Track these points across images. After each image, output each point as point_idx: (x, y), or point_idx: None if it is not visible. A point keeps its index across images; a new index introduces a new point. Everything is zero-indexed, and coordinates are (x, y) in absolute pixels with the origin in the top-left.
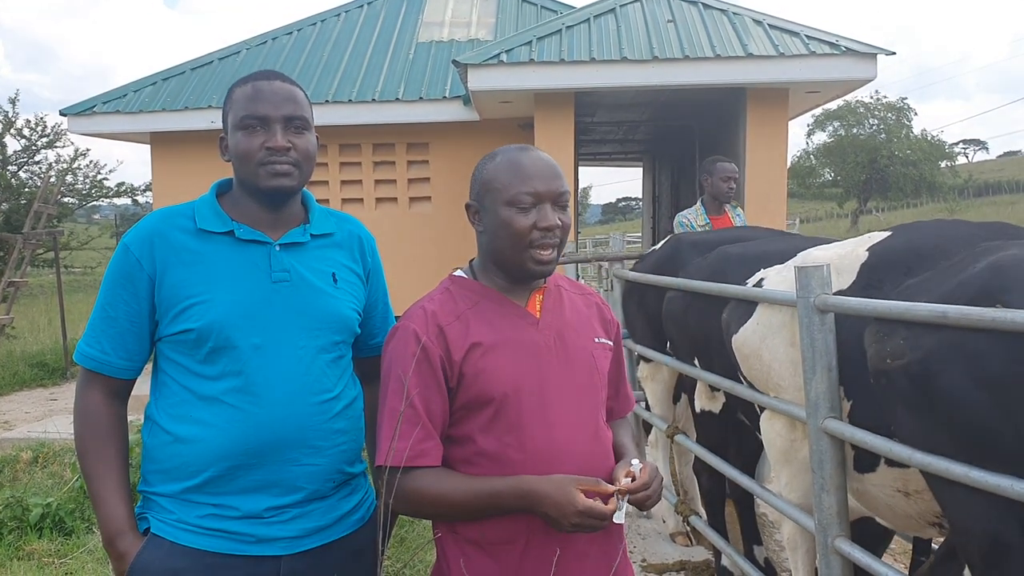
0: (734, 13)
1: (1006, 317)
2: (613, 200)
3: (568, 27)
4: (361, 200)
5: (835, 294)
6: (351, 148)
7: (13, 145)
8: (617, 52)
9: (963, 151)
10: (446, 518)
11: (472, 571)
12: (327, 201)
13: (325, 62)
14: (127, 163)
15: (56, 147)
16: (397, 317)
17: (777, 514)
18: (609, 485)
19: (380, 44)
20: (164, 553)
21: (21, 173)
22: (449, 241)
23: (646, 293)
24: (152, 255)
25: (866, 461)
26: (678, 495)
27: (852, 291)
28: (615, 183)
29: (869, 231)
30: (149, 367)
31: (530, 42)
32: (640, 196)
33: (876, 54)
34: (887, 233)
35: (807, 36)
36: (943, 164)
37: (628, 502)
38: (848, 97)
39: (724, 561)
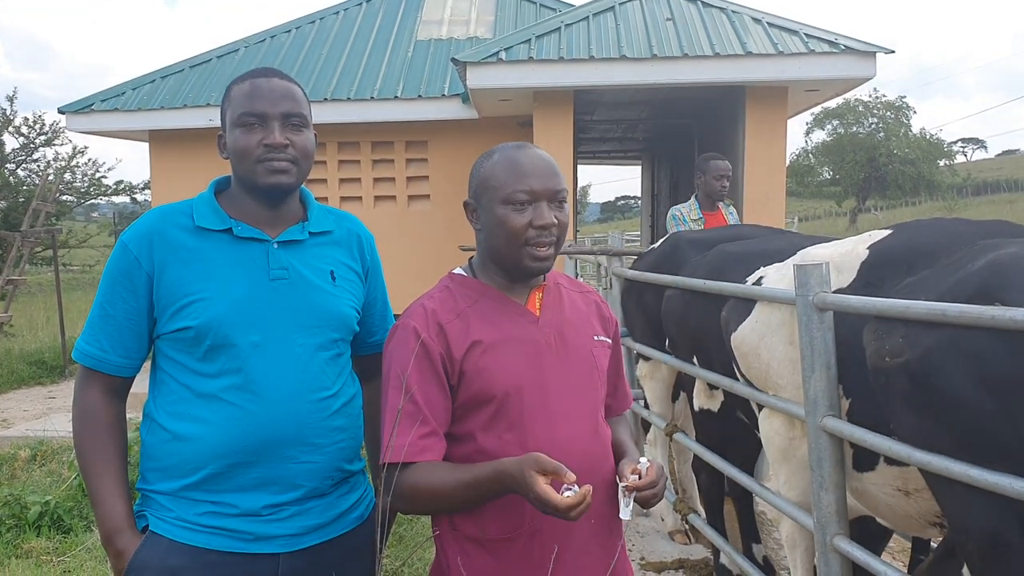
0: (733, 11)
1: (1005, 315)
2: (612, 198)
3: (567, 25)
4: (360, 198)
5: (835, 292)
6: (350, 146)
7: (11, 143)
8: (616, 50)
9: (962, 150)
10: (441, 511)
11: (471, 568)
12: (326, 199)
13: (324, 60)
14: (125, 161)
15: (54, 145)
16: (396, 315)
17: (776, 512)
18: (570, 473)
19: (379, 42)
20: (162, 551)
21: (19, 171)
22: (448, 239)
23: (645, 291)
24: (150, 253)
25: (865, 460)
26: (677, 493)
27: (852, 289)
28: (614, 181)
29: (868, 230)
30: (148, 365)
31: (529, 40)
32: (639, 195)
33: (875, 53)
34: (887, 232)
35: (806, 35)
36: (942, 163)
37: (634, 500)
38: (847, 96)
39: (723, 559)
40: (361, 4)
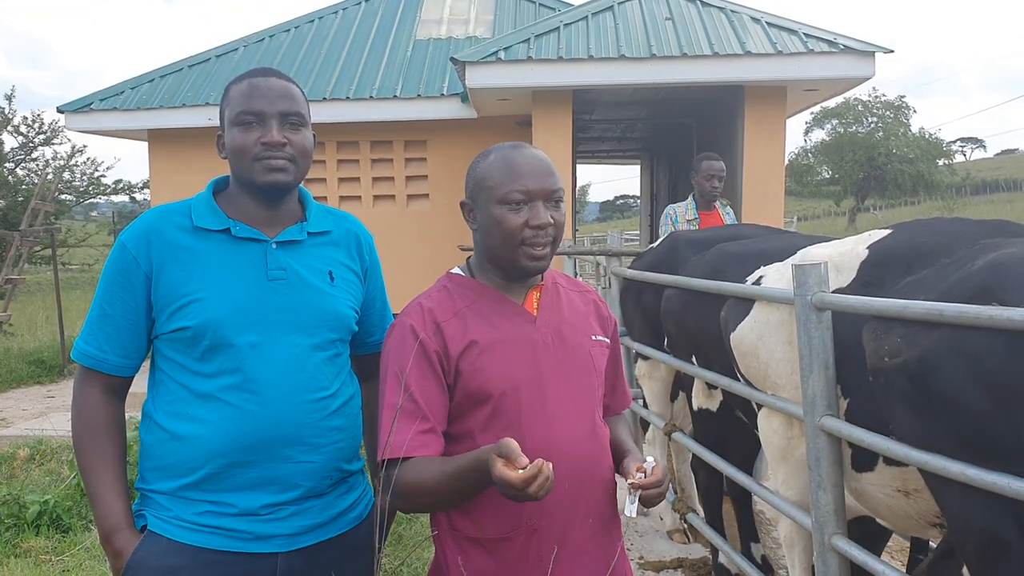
0: (732, 11)
1: (1003, 315)
2: (611, 198)
3: (566, 25)
4: (359, 198)
5: (835, 292)
6: (349, 146)
7: (10, 142)
8: (615, 50)
9: (961, 149)
10: (434, 507)
11: (470, 568)
12: (325, 199)
13: (323, 59)
14: (124, 160)
15: (53, 144)
16: (395, 315)
17: (774, 512)
18: (524, 458)
19: (378, 41)
20: (161, 550)
21: (18, 170)
22: (447, 239)
23: (644, 291)
24: (149, 253)
25: (864, 460)
26: (675, 493)
27: (852, 289)
28: (613, 181)
29: (867, 229)
30: (147, 365)
31: (528, 39)
32: (638, 194)
33: (874, 52)
34: (887, 231)
35: (805, 34)
36: (941, 162)
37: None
38: (846, 95)
39: (721, 559)
40: (360, 3)
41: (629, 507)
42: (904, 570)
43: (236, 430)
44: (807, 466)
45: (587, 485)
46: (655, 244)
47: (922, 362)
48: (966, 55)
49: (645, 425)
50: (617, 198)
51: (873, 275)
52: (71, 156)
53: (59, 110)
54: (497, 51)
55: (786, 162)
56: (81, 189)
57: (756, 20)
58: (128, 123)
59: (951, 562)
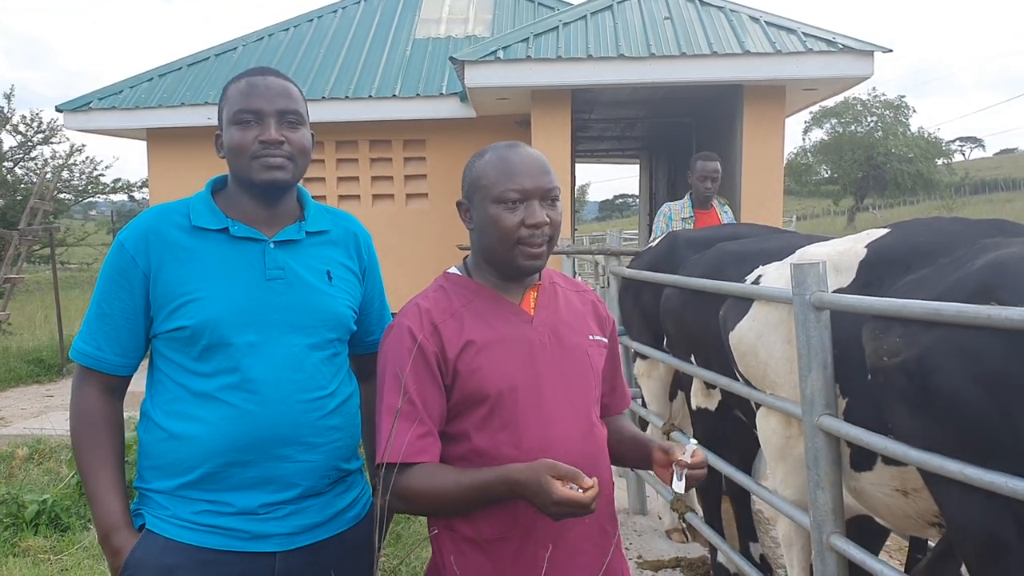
0: (731, 10)
1: (1001, 315)
2: (610, 197)
3: (565, 24)
4: (358, 197)
5: (834, 291)
6: (348, 145)
7: (9, 141)
8: (614, 49)
9: (960, 148)
10: (441, 513)
11: (466, 568)
12: (324, 198)
13: (322, 58)
14: (123, 159)
15: (52, 143)
16: (394, 314)
17: (773, 511)
18: (587, 479)
19: (377, 40)
20: (159, 549)
21: (17, 169)
22: (446, 238)
23: (643, 290)
24: (147, 252)
25: (863, 460)
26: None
27: (851, 288)
28: (612, 180)
29: (866, 228)
30: (145, 364)
31: (527, 39)
32: (637, 193)
33: (873, 51)
34: (885, 230)
35: (804, 33)
36: (940, 161)
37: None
38: (845, 94)
39: (720, 558)
40: (359, 3)
41: (677, 483)
42: (902, 569)
43: (234, 429)
44: (805, 465)
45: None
46: (653, 243)
47: (921, 361)
48: (965, 54)
49: (644, 424)
50: (616, 197)
51: (872, 274)
52: (70, 155)
53: (58, 109)
54: (496, 50)
55: (785, 161)
56: (80, 188)
57: (755, 19)
58: (127, 122)
59: (949, 561)
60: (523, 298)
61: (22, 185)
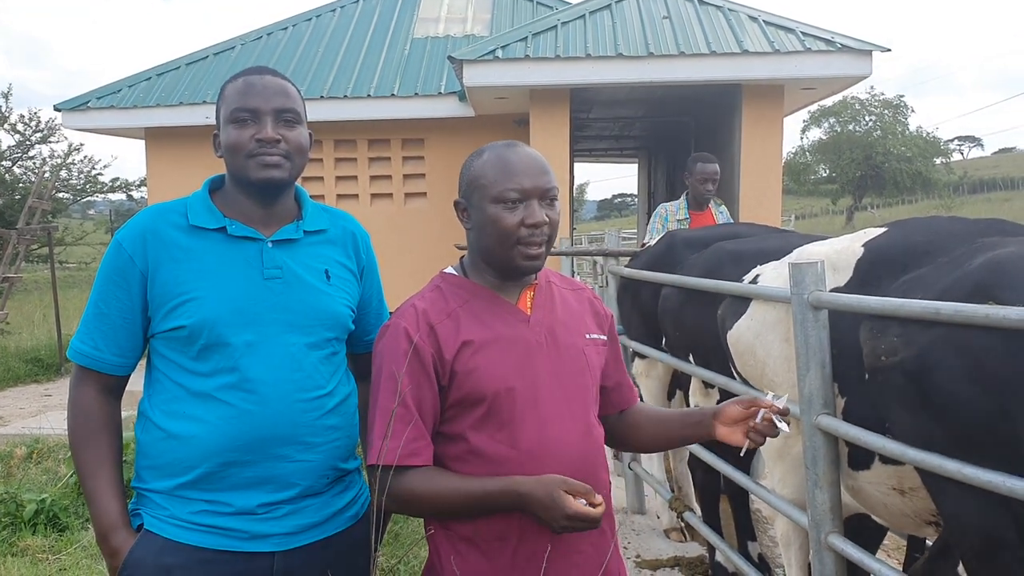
0: (729, 9)
1: (999, 314)
2: (609, 196)
3: (564, 23)
4: (356, 196)
5: (831, 290)
6: (346, 144)
7: (7, 140)
8: (613, 48)
9: (958, 147)
10: (439, 517)
11: (463, 568)
12: (322, 197)
13: (320, 58)
14: (122, 158)
15: (50, 142)
16: (391, 313)
17: (771, 510)
18: (597, 497)
19: (376, 40)
20: (157, 549)
21: (15, 168)
22: (444, 237)
23: (641, 289)
24: (144, 251)
25: (861, 459)
26: (673, 491)
27: (848, 287)
28: (611, 179)
29: (864, 228)
30: (143, 363)
31: (526, 38)
32: (636, 192)
33: (871, 51)
34: (883, 229)
35: (802, 33)
36: (938, 161)
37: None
38: (844, 93)
39: (718, 557)
40: (357, 2)
41: (781, 425)
42: (900, 568)
43: (233, 429)
44: (804, 464)
45: None
46: (650, 243)
47: (919, 361)
48: (963, 54)
49: None
50: (615, 196)
51: (869, 273)
52: (68, 154)
53: (56, 108)
54: (495, 49)
55: (783, 160)
56: (78, 187)
57: (753, 19)
58: (125, 121)
59: (947, 560)
60: (520, 298)
61: (20, 184)
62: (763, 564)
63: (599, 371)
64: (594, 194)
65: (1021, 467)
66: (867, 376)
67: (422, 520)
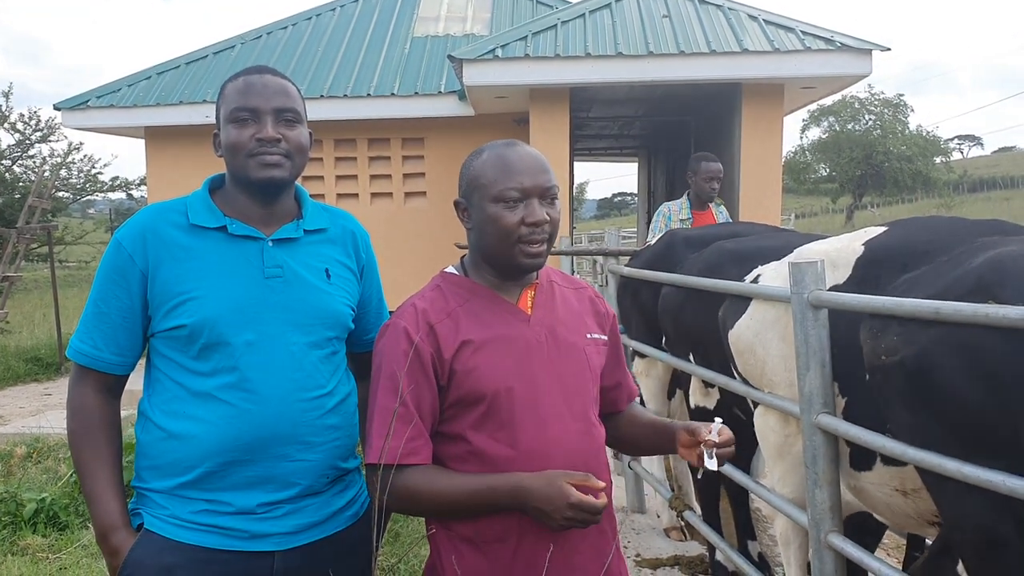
0: (729, 8)
1: (998, 313)
2: (608, 195)
3: (563, 22)
4: (356, 195)
5: (832, 289)
6: (346, 143)
7: (7, 139)
8: (612, 47)
9: (958, 147)
10: (439, 515)
11: (464, 568)
12: (323, 196)
13: (320, 57)
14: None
15: (50, 141)
16: (391, 313)
17: (771, 509)
18: (599, 481)
19: (375, 39)
20: (157, 549)
21: (15, 167)
22: (444, 236)
23: (641, 289)
24: (144, 250)
25: (862, 459)
26: (673, 490)
27: (848, 286)
28: (611, 178)
29: (864, 226)
30: (142, 363)
31: (525, 37)
32: (636, 191)
33: (871, 50)
34: (883, 228)
35: (802, 32)
36: (938, 160)
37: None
38: (843, 92)
39: (718, 556)
40: (357, 1)
41: (709, 462)
42: (900, 567)
43: (233, 429)
44: (803, 463)
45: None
46: (652, 242)
47: (919, 359)
48: (963, 53)
49: None
50: (615, 195)
51: (870, 272)
52: (68, 153)
53: (56, 107)
54: (494, 49)
55: (783, 159)
56: (78, 186)
57: (753, 18)
58: (125, 120)
59: (947, 559)
60: (520, 297)
61: (20, 183)
62: (763, 563)
63: (600, 371)
64: (594, 193)
65: (1022, 466)
66: (867, 375)
67: (423, 520)
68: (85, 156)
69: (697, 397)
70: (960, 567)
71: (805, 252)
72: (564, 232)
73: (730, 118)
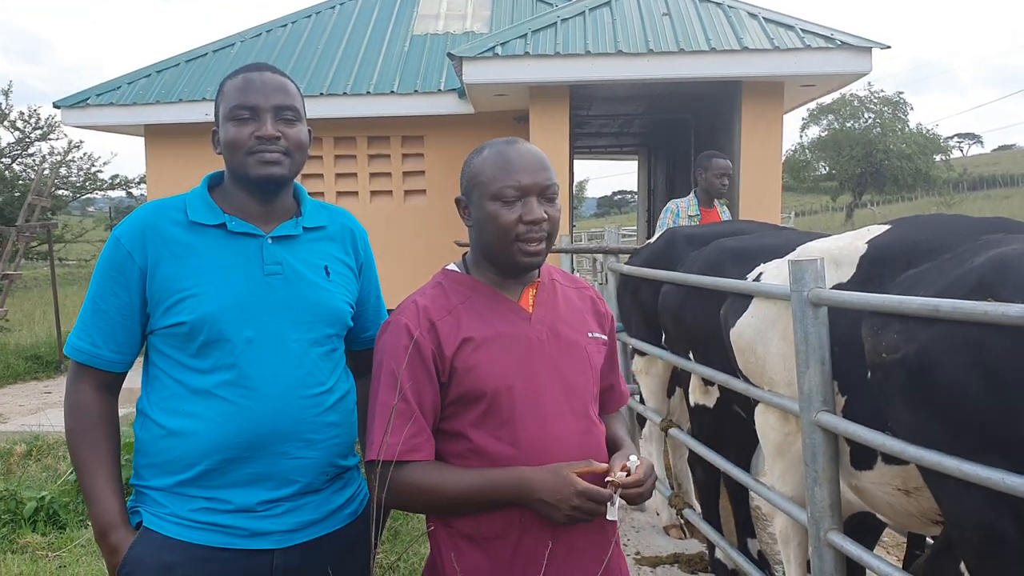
0: (729, 6)
1: (998, 311)
2: (609, 193)
3: (563, 20)
4: (356, 193)
5: (834, 287)
6: (346, 141)
7: (6, 137)
8: (612, 45)
9: (958, 145)
10: (440, 511)
11: (464, 565)
12: (322, 194)
13: (320, 55)
14: (121, 155)
15: (50, 139)
16: (390, 310)
17: (770, 507)
18: (600, 464)
19: (375, 37)
20: (156, 547)
21: (15, 165)
22: (444, 234)
23: (641, 287)
24: (143, 248)
25: (864, 458)
26: (672, 488)
27: (851, 284)
28: (611, 176)
29: (864, 225)
30: (141, 360)
31: (525, 35)
32: (636, 189)
33: (871, 48)
34: (886, 227)
35: (802, 30)
36: (938, 158)
37: (620, 496)
38: (843, 90)
39: (718, 554)
40: None
41: (611, 509)
42: (900, 566)
43: (232, 426)
44: (803, 462)
45: None
46: (652, 240)
47: (920, 357)
48: (963, 51)
49: (642, 421)
50: (615, 193)
51: (872, 270)
52: (68, 151)
53: (56, 105)
54: (494, 46)
55: (783, 157)
56: (78, 184)
57: (753, 16)
58: (125, 118)
59: (948, 557)
60: (522, 295)
61: (20, 181)
62: (762, 561)
63: (600, 370)
64: (594, 191)
65: (1022, 464)
66: (868, 373)
67: (422, 517)
68: (85, 154)
69: (697, 395)
70: (962, 566)
71: (808, 250)
72: (564, 230)
73: (730, 116)
